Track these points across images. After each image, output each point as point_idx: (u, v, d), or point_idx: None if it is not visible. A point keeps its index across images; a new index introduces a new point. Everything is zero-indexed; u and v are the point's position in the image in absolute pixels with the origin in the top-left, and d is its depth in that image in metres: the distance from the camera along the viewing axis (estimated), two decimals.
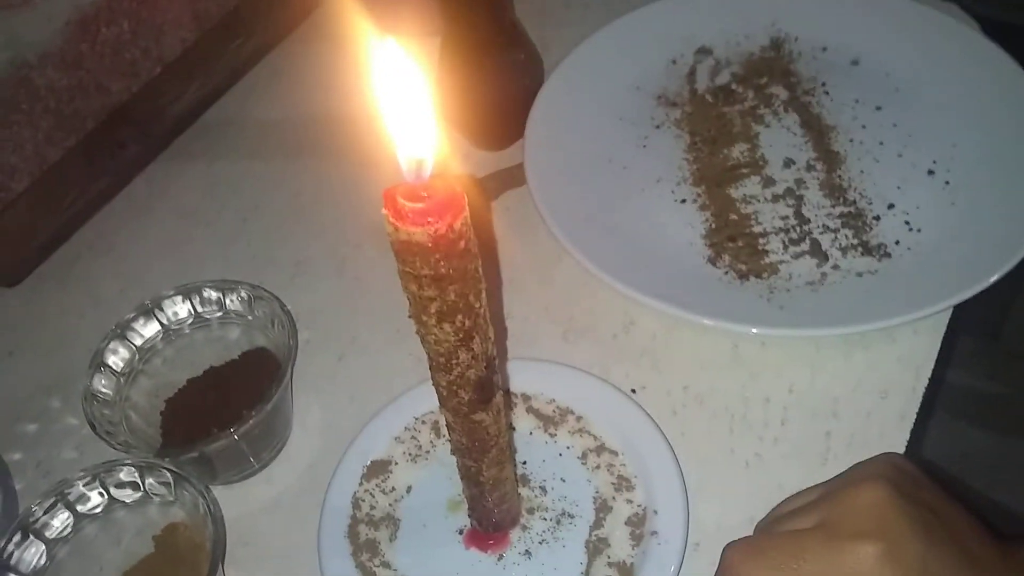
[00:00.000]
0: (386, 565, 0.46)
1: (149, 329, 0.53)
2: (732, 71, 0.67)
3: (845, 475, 0.42)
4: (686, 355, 0.53)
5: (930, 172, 0.58)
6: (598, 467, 0.48)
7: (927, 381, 0.50)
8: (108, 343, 0.51)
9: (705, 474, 0.48)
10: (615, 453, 0.48)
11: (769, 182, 0.60)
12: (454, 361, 0.34)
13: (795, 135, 0.62)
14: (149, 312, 0.53)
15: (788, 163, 0.60)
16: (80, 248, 0.66)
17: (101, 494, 0.47)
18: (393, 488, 0.49)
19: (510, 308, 0.57)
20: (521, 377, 0.51)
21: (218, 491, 0.50)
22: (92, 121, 0.63)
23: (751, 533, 0.44)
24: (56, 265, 0.65)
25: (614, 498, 0.47)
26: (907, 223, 0.56)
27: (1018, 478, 0.78)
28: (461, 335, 0.32)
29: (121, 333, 0.52)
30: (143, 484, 0.47)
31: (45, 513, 0.46)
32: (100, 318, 0.60)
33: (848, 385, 0.51)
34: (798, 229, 0.57)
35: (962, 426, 0.83)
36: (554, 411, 0.50)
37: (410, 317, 0.33)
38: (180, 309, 0.53)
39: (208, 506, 0.45)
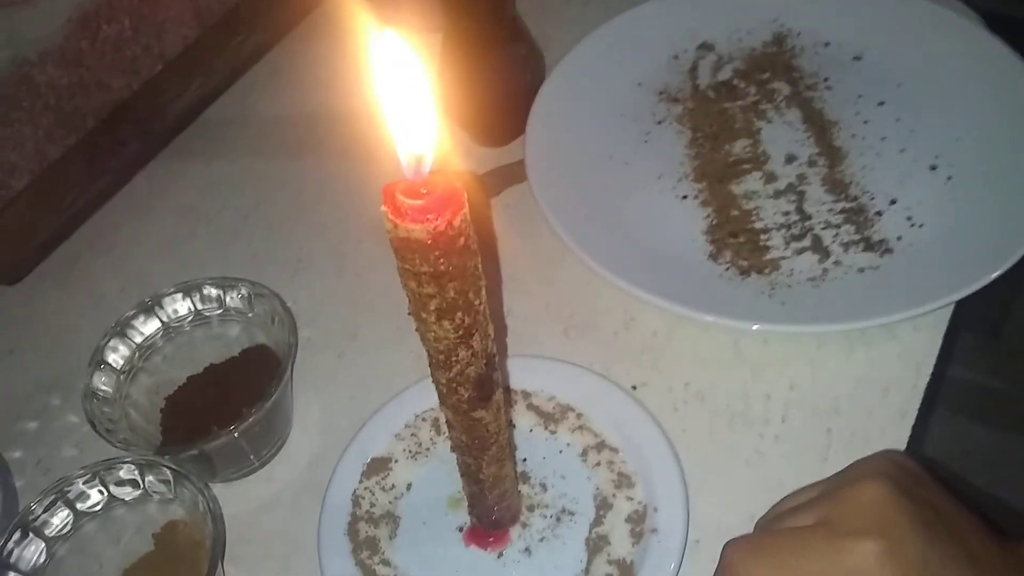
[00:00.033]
0: (386, 562, 0.46)
1: (149, 326, 0.53)
2: (734, 67, 0.67)
3: (846, 472, 0.42)
4: (687, 352, 0.53)
5: (932, 167, 0.58)
6: (598, 464, 0.48)
7: (928, 378, 0.50)
8: (108, 341, 0.51)
9: (705, 471, 0.48)
10: (615, 450, 0.48)
11: (771, 178, 0.59)
12: (454, 358, 0.34)
13: (797, 131, 0.62)
14: (149, 309, 0.53)
15: (790, 159, 0.60)
16: (80, 246, 0.66)
17: (101, 492, 0.47)
18: (393, 485, 0.49)
19: (510, 305, 0.57)
20: (521, 374, 0.51)
21: (218, 489, 0.50)
22: (93, 119, 0.63)
23: (751, 530, 0.44)
24: (56, 263, 0.65)
25: (614, 495, 0.47)
26: (909, 219, 0.56)
27: (1019, 475, 0.78)
28: (461, 332, 0.32)
29: (121, 331, 0.52)
30: (143, 482, 0.47)
31: (45, 511, 0.46)
32: (100, 316, 0.60)
33: (849, 382, 0.50)
34: (800, 225, 0.57)
35: (963, 423, 0.82)
36: (554, 408, 0.50)
37: (410, 314, 0.33)
38: (180, 306, 0.53)
39: (208, 504, 0.45)
